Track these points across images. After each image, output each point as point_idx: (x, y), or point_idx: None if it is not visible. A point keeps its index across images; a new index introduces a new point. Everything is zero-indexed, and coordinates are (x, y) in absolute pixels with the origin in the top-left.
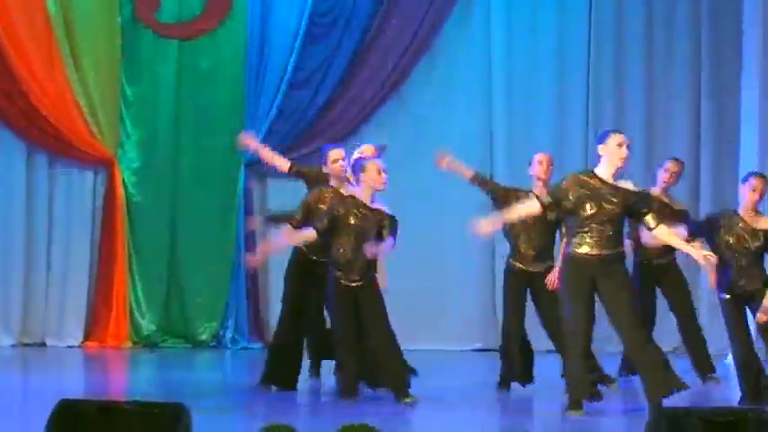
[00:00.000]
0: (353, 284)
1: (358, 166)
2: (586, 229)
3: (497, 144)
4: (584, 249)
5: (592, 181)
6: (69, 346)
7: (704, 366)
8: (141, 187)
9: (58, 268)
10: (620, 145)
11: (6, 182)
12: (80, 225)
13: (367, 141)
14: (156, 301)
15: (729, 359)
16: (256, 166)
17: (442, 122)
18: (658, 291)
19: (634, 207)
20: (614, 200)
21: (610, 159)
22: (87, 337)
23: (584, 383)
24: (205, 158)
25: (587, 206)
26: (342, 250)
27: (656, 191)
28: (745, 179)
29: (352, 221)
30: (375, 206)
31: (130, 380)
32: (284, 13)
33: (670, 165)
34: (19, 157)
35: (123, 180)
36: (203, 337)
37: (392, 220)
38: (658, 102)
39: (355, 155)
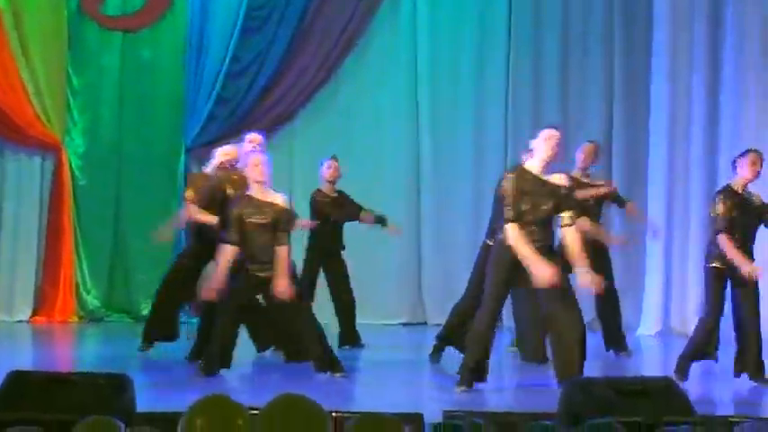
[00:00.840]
0: (264, 275)
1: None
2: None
3: (423, 127)
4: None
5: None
6: (18, 321)
7: (617, 341)
8: (86, 171)
9: (8, 248)
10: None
11: None
12: (29, 207)
13: (303, 127)
14: (101, 278)
15: (640, 332)
16: (196, 151)
17: (372, 107)
18: None
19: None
20: (546, 197)
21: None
22: (36, 312)
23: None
24: (147, 144)
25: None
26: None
27: (575, 173)
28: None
29: (254, 221)
30: (269, 198)
31: (77, 353)
32: (222, 7)
33: (586, 147)
34: None
35: (70, 164)
36: (145, 312)
37: (287, 214)
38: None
39: (247, 147)
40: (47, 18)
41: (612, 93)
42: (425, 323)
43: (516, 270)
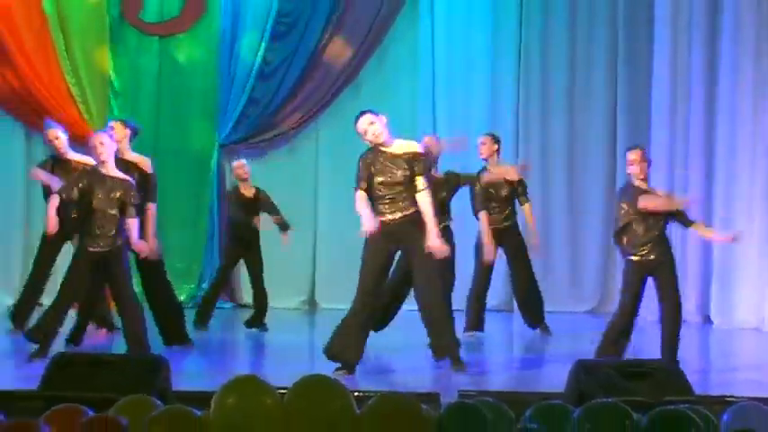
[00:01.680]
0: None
1: None
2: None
3: (440, 128)
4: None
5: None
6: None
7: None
8: None
9: None
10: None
11: (8, 161)
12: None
13: (325, 126)
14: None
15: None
16: (228, 148)
17: (391, 109)
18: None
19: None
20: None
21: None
22: None
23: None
24: (183, 141)
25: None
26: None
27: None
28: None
29: (100, 195)
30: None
31: (119, 336)
32: (252, 14)
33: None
34: (18, 139)
35: None
36: (182, 297)
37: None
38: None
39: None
40: (90, 24)
41: (616, 101)
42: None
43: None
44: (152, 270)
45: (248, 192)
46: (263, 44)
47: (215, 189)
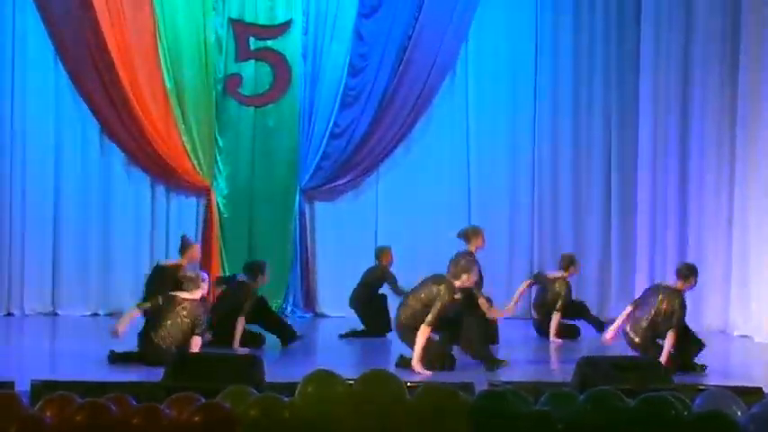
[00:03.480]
0: None
1: None
2: None
3: (473, 170)
4: None
5: None
6: None
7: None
8: (229, 207)
9: None
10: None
11: (136, 206)
12: (188, 233)
13: (382, 175)
14: None
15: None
16: (307, 193)
17: (437, 160)
18: None
19: None
20: None
21: None
22: None
23: None
24: (271, 187)
25: None
26: None
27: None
28: None
29: None
30: None
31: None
32: (326, 88)
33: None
34: (145, 187)
35: (217, 203)
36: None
37: None
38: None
39: None
40: (201, 96)
41: (610, 119)
42: None
43: None
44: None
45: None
46: (334, 111)
47: (297, 224)
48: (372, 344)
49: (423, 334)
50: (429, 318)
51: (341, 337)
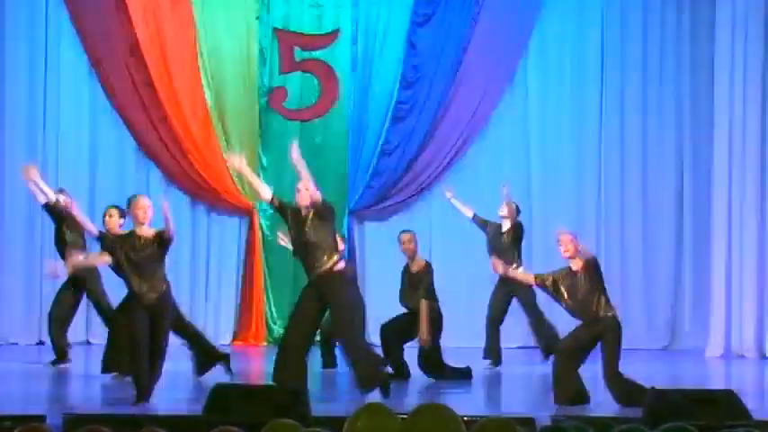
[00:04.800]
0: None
1: None
2: None
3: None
4: None
5: None
6: (222, 344)
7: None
8: (273, 229)
9: (214, 287)
10: None
11: (176, 225)
12: (230, 255)
13: (435, 195)
14: (284, 311)
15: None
16: (357, 213)
17: (495, 179)
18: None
19: None
20: None
21: None
22: (235, 337)
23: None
24: None
25: None
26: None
27: None
28: None
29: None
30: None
31: (267, 370)
32: (376, 101)
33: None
34: (185, 208)
35: (260, 224)
36: (317, 338)
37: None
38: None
39: None
40: (243, 112)
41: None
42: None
43: None
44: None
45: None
46: (386, 126)
47: (346, 247)
48: (421, 377)
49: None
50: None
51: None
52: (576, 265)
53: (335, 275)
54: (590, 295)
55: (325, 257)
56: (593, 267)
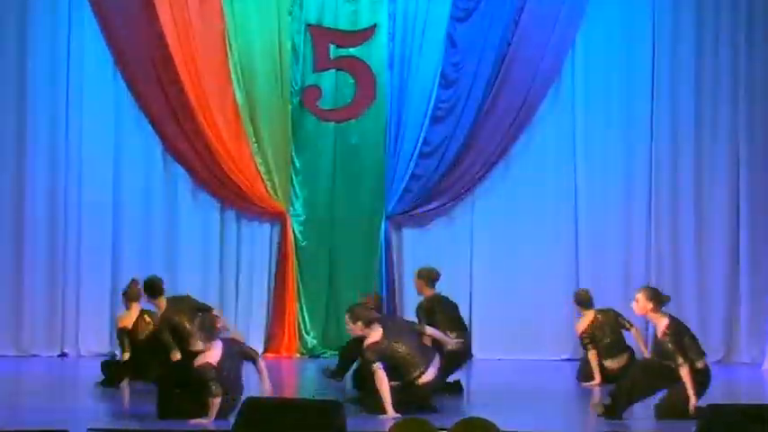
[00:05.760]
0: None
1: None
2: None
3: (580, 204)
4: None
5: None
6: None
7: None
8: (306, 235)
9: (244, 296)
10: None
11: (203, 234)
12: (261, 263)
13: (480, 198)
14: (318, 321)
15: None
16: (394, 218)
17: (538, 181)
18: None
19: None
20: None
21: None
22: (266, 349)
23: None
24: (354, 212)
25: None
26: None
27: None
28: None
29: None
30: None
31: (300, 383)
32: (415, 101)
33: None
34: (214, 213)
35: (293, 230)
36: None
37: None
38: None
39: None
40: (275, 112)
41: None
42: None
43: None
44: None
45: None
46: (425, 127)
47: (383, 255)
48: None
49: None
50: None
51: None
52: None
53: None
54: None
55: None
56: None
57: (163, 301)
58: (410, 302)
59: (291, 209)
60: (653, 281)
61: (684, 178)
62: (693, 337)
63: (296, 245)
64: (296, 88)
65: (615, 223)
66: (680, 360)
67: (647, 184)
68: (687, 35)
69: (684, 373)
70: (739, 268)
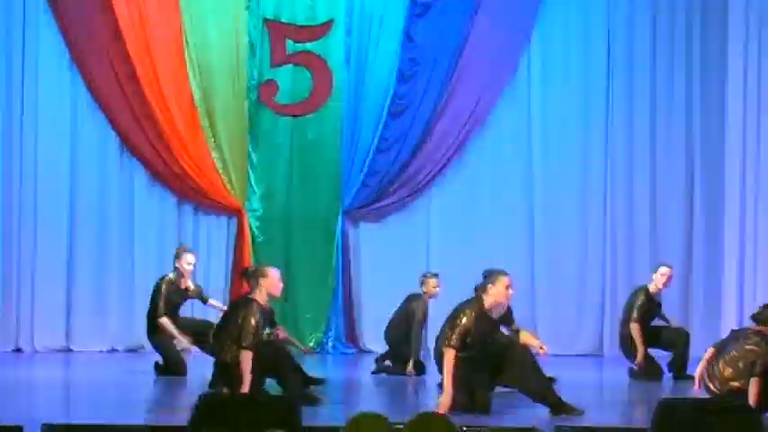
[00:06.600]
0: None
1: None
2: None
3: (536, 196)
4: None
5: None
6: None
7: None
8: (263, 230)
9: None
10: (507, 287)
11: (160, 229)
12: (218, 256)
13: (434, 194)
14: (276, 316)
15: None
16: (350, 213)
17: (495, 176)
18: None
19: None
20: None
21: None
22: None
23: None
24: (311, 208)
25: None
26: None
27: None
28: None
29: None
30: None
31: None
32: (372, 96)
33: (668, 271)
34: (171, 208)
35: (249, 225)
36: (311, 344)
37: None
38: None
39: None
40: (232, 107)
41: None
42: None
43: None
44: None
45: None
46: (381, 122)
47: (340, 250)
48: (418, 382)
49: (447, 358)
50: (452, 338)
51: (372, 373)
52: None
53: None
54: None
55: None
56: None
57: None
58: (367, 298)
59: (248, 204)
60: (608, 270)
61: (639, 173)
62: None
63: (253, 241)
64: (253, 83)
65: (570, 217)
66: None
67: (602, 177)
68: (642, 34)
69: None
70: (693, 260)
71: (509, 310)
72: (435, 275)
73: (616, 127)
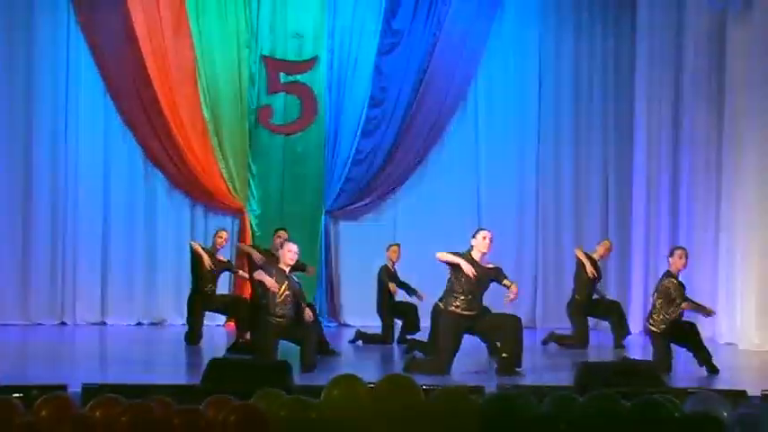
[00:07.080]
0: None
1: None
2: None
3: (482, 185)
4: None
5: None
6: (216, 325)
7: None
8: (261, 227)
9: None
10: (484, 238)
11: (178, 226)
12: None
13: (400, 197)
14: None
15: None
16: (332, 213)
17: (450, 181)
18: None
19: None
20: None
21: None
22: (228, 319)
23: None
24: (300, 209)
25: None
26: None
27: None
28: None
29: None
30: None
31: None
32: (348, 117)
33: (607, 243)
34: (185, 208)
35: (250, 222)
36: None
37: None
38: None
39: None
40: (235, 127)
41: (608, 153)
42: None
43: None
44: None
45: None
46: (357, 139)
47: (323, 242)
48: (391, 350)
49: (442, 254)
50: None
51: (350, 342)
52: None
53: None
54: None
55: None
56: None
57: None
58: (346, 281)
59: (248, 205)
60: (540, 266)
61: (565, 177)
62: None
63: (252, 235)
64: (252, 107)
65: (510, 210)
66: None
67: (534, 184)
68: (567, 68)
69: None
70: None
71: (499, 270)
72: (395, 244)
73: (546, 140)
